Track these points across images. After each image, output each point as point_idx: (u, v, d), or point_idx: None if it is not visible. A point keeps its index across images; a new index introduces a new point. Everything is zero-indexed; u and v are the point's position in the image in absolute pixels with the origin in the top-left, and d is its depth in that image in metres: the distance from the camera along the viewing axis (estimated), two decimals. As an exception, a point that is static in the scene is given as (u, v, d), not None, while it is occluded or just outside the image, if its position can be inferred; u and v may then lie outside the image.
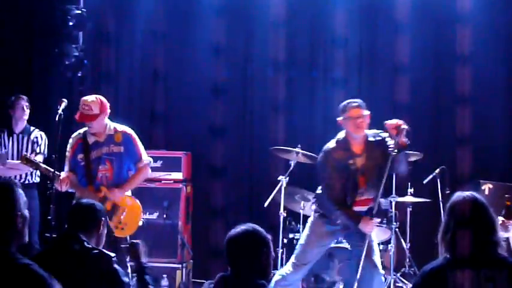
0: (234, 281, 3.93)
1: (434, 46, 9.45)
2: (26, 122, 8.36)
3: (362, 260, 6.25)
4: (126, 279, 4.46)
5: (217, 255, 9.43)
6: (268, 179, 9.11)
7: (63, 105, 6.86)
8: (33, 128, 8.35)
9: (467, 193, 3.99)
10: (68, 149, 7.05)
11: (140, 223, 7.10)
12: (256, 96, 9.76)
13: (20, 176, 8.19)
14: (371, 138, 6.59)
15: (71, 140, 7.08)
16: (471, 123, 9.32)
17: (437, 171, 8.18)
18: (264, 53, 9.70)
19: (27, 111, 8.34)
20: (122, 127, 7.07)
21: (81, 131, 7.05)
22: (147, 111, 9.96)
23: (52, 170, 6.81)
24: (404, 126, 6.34)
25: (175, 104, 9.91)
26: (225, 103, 9.79)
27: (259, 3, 9.73)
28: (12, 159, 8.16)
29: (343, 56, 9.57)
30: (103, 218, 4.70)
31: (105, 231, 4.73)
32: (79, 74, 9.34)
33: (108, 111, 6.97)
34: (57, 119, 6.76)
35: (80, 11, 9.22)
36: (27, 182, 8.18)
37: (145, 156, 7.12)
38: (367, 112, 6.53)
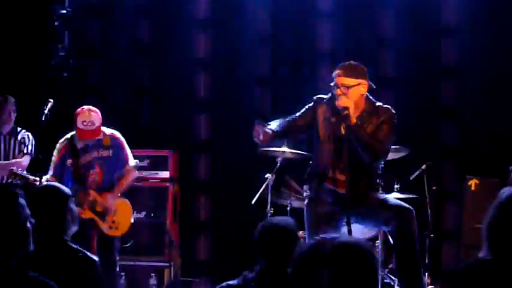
0: (270, 273, 3.97)
1: (419, 59, 9.47)
2: (13, 123, 8.33)
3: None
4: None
5: (205, 254, 9.47)
6: (255, 177, 9.10)
7: (50, 105, 6.87)
8: (20, 128, 8.33)
9: None
10: (54, 153, 7.06)
11: (132, 220, 7.14)
12: (241, 109, 9.74)
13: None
14: (373, 102, 6.06)
15: (58, 145, 7.11)
16: (457, 124, 9.36)
17: (423, 167, 8.20)
18: (248, 68, 9.69)
19: (14, 115, 8.31)
20: (110, 131, 7.13)
21: (68, 135, 7.08)
22: (133, 112, 9.94)
23: (39, 179, 6.80)
24: (347, 111, 5.78)
25: (161, 111, 9.88)
26: (210, 111, 9.79)
27: (245, 18, 9.72)
28: (0, 160, 8.15)
29: (329, 70, 9.56)
30: (65, 204, 4.31)
31: (74, 214, 4.38)
32: (65, 74, 9.31)
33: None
34: (43, 119, 6.75)
35: (65, 11, 9.20)
36: (17, 182, 8.15)
37: (132, 160, 7.20)
38: (352, 83, 5.93)
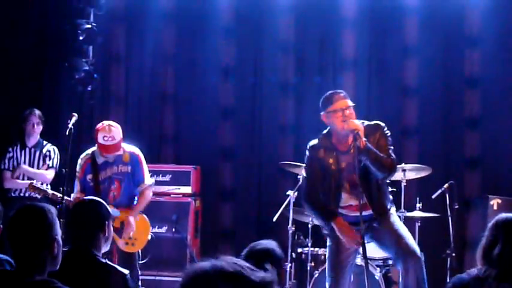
0: None
1: (443, 68, 9.49)
2: (38, 136, 8.39)
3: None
4: None
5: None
6: (277, 194, 9.12)
7: (74, 119, 6.91)
8: (46, 142, 8.38)
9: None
10: (77, 169, 7.12)
11: (149, 237, 7.17)
12: (264, 116, 9.78)
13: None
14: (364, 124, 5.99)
15: (80, 161, 7.15)
16: (480, 142, 9.33)
17: (445, 186, 8.17)
18: (272, 74, 9.76)
19: (38, 128, 8.35)
20: (130, 147, 7.16)
21: (89, 151, 7.13)
22: (156, 128, 9.99)
23: (59, 195, 6.85)
24: (359, 132, 5.79)
25: (184, 124, 9.92)
26: (233, 121, 9.82)
27: (268, 28, 9.81)
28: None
29: (352, 78, 9.58)
30: (107, 221, 4.38)
31: (111, 234, 4.46)
32: (89, 88, 9.39)
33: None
34: (67, 133, 6.80)
35: (90, 26, 9.27)
36: (36, 196, 8.21)
37: (148, 179, 7.23)
38: (352, 103, 5.99)
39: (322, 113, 6.00)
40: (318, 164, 6.05)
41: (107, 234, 4.36)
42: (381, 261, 7.77)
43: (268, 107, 9.79)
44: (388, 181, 6.36)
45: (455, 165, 9.34)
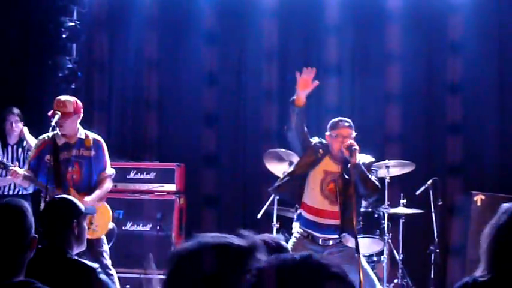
0: None
1: (426, 74, 9.52)
2: (18, 133, 8.35)
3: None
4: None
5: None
6: (261, 196, 9.11)
7: (57, 117, 6.85)
8: (27, 139, 8.35)
9: None
10: (32, 149, 7.01)
11: (111, 225, 7.10)
12: (248, 121, 9.79)
13: (14, 185, 8.20)
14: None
15: (37, 141, 7.07)
16: (462, 147, 9.36)
17: (429, 182, 8.20)
18: (256, 78, 9.78)
19: (17, 126, 8.31)
20: (93, 134, 7.10)
21: (50, 133, 6.97)
22: (140, 133, 9.96)
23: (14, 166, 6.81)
24: (356, 147, 6.32)
25: (168, 129, 9.92)
26: (218, 126, 9.82)
27: (252, 32, 9.81)
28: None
29: (336, 83, 9.59)
30: (75, 220, 4.43)
31: (83, 231, 4.50)
32: (72, 86, 9.34)
33: (81, 114, 7.00)
34: (50, 130, 6.77)
35: (73, 23, 9.23)
36: (20, 192, 8.18)
37: (109, 168, 7.15)
38: (354, 133, 6.53)
39: (326, 133, 6.59)
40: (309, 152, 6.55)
41: (76, 233, 4.38)
42: (366, 257, 7.79)
43: (252, 111, 9.79)
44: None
45: (438, 170, 9.33)
